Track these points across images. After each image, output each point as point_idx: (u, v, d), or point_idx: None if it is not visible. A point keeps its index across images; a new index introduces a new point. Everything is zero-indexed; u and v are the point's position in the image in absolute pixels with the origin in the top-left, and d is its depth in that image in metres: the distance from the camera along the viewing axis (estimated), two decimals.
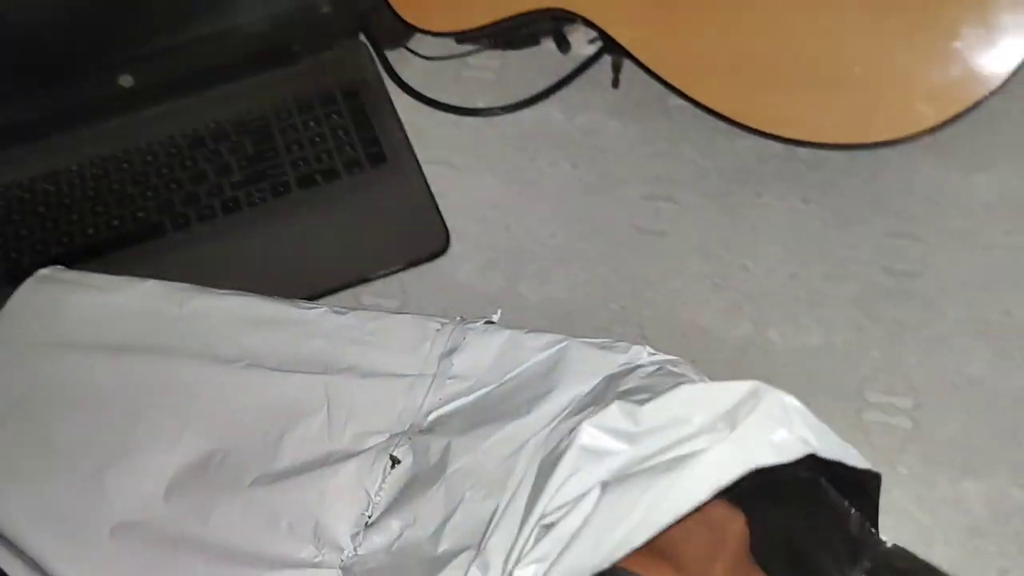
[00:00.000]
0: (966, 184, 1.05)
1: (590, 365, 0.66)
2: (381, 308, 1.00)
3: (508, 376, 0.67)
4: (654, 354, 0.67)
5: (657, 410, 0.57)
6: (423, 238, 1.04)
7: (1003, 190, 1.04)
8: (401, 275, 1.03)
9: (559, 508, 0.57)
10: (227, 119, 1.14)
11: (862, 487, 0.58)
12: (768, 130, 1.03)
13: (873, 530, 0.58)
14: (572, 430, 0.60)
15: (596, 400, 0.63)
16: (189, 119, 1.14)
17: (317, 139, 1.11)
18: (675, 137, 1.11)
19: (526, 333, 0.71)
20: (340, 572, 0.63)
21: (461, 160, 1.11)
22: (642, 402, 0.58)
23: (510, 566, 0.57)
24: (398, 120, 1.13)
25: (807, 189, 1.06)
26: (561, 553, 0.54)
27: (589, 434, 0.58)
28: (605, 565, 0.53)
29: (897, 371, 0.94)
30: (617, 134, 1.12)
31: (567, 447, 0.59)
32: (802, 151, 1.08)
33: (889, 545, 0.57)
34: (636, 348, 0.67)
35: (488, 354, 0.70)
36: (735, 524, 0.55)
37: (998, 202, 1.04)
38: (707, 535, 0.54)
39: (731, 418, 0.55)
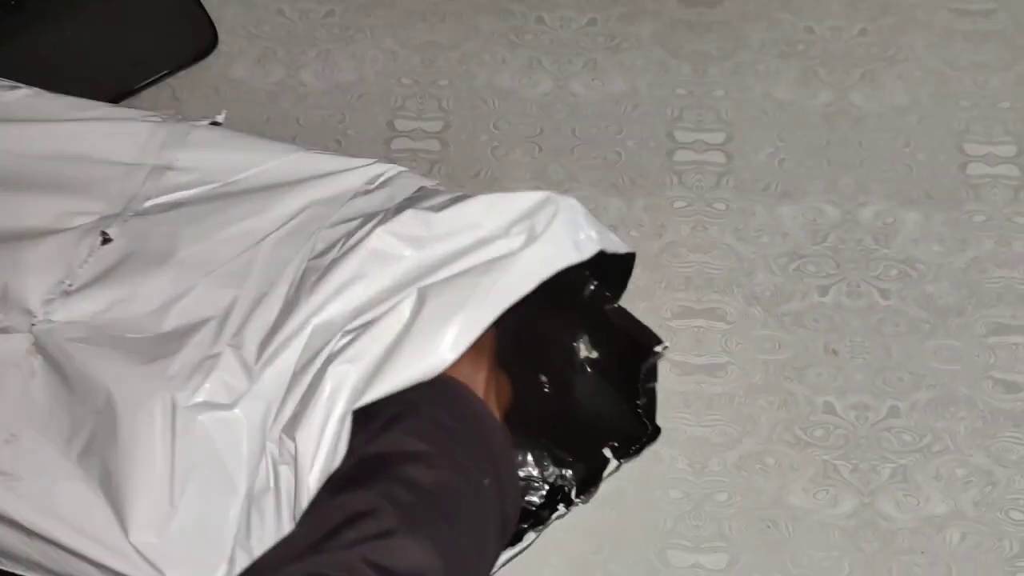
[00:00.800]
0: None
1: (326, 173, 0.66)
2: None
3: (238, 176, 0.67)
4: (393, 166, 0.67)
5: (451, 217, 0.59)
6: (186, 36, 0.93)
7: None
8: (169, 81, 0.93)
9: (359, 310, 0.57)
10: None
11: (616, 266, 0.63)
12: None
13: (608, 295, 0.62)
14: (352, 233, 0.61)
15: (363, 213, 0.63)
16: None
17: None
18: None
19: (258, 137, 0.70)
20: (30, 337, 0.61)
21: None
22: (436, 209, 0.60)
23: (268, 352, 0.57)
24: None
25: None
26: (384, 361, 0.55)
27: (380, 238, 0.59)
28: (436, 371, 0.54)
29: (705, 106, 0.91)
30: None
31: (351, 249, 0.59)
32: None
33: (615, 306, 0.62)
34: (381, 164, 0.67)
35: (215, 152, 0.68)
36: (487, 333, 0.57)
37: None
38: (472, 350, 0.56)
39: (529, 224, 0.58)
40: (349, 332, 0.57)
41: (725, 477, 0.77)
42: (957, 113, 0.89)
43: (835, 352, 0.81)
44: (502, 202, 0.59)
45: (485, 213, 0.59)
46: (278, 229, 0.63)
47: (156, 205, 0.66)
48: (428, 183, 0.66)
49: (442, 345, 0.55)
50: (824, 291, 0.84)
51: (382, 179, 0.65)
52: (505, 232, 0.58)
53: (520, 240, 0.58)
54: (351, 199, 0.64)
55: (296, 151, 0.67)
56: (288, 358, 0.57)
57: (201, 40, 0.93)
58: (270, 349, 0.57)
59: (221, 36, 0.94)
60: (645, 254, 0.85)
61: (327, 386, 0.54)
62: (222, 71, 0.93)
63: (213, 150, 0.68)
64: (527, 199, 0.59)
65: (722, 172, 0.88)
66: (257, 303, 0.59)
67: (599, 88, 0.92)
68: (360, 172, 0.66)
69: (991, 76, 0.91)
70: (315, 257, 0.61)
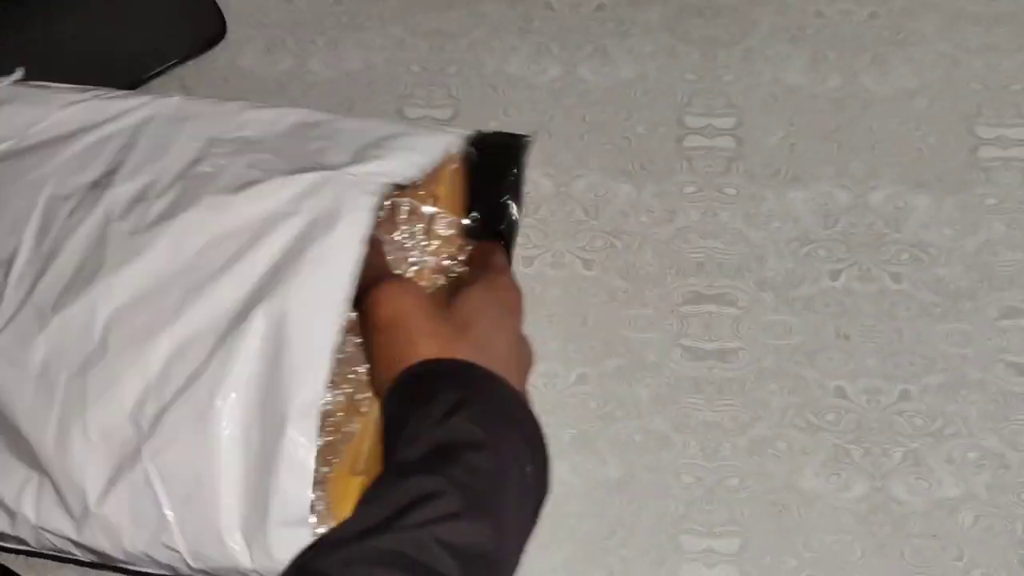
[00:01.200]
0: None
1: (106, 120, 0.70)
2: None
3: (31, 131, 0.70)
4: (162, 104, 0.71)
5: (246, 200, 0.63)
6: (195, 25, 0.93)
7: None
8: (178, 70, 0.93)
9: (152, 295, 0.61)
10: None
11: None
12: None
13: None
14: (140, 197, 0.65)
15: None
16: None
17: None
18: None
19: (53, 88, 0.73)
20: None
21: None
22: (230, 191, 0.63)
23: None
24: None
25: None
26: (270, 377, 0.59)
27: (182, 226, 0.62)
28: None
29: (715, 91, 0.91)
30: None
31: (150, 228, 0.63)
32: None
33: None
34: (164, 99, 0.70)
35: (10, 110, 0.71)
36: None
37: None
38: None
39: (314, 203, 0.62)
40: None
41: (737, 462, 0.77)
42: (968, 96, 0.89)
43: (846, 336, 0.81)
44: (288, 183, 0.63)
45: (275, 193, 0.63)
46: (56, 176, 0.67)
47: None
48: (191, 105, 0.69)
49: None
50: (835, 276, 0.83)
51: (149, 122, 0.69)
52: (296, 209, 0.62)
53: (311, 217, 0.62)
54: (129, 152, 0.67)
55: (80, 100, 0.70)
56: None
57: (209, 29, 0.93)
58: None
59: (229, 25, 0.94)
60: (655, 240, 0.85)
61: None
62: (231, 60, 0.93)
63: (8, 109, 0.71)
64: (305, 180, 0.63)
65: (732, 157, 0.88)
66: (47, 253, 0.63)
67: (608, 74, 0.92)
68: (132, 114, 0.69)
69: (1002, 59, 0.90)
70: (117, 220, 0.64)
